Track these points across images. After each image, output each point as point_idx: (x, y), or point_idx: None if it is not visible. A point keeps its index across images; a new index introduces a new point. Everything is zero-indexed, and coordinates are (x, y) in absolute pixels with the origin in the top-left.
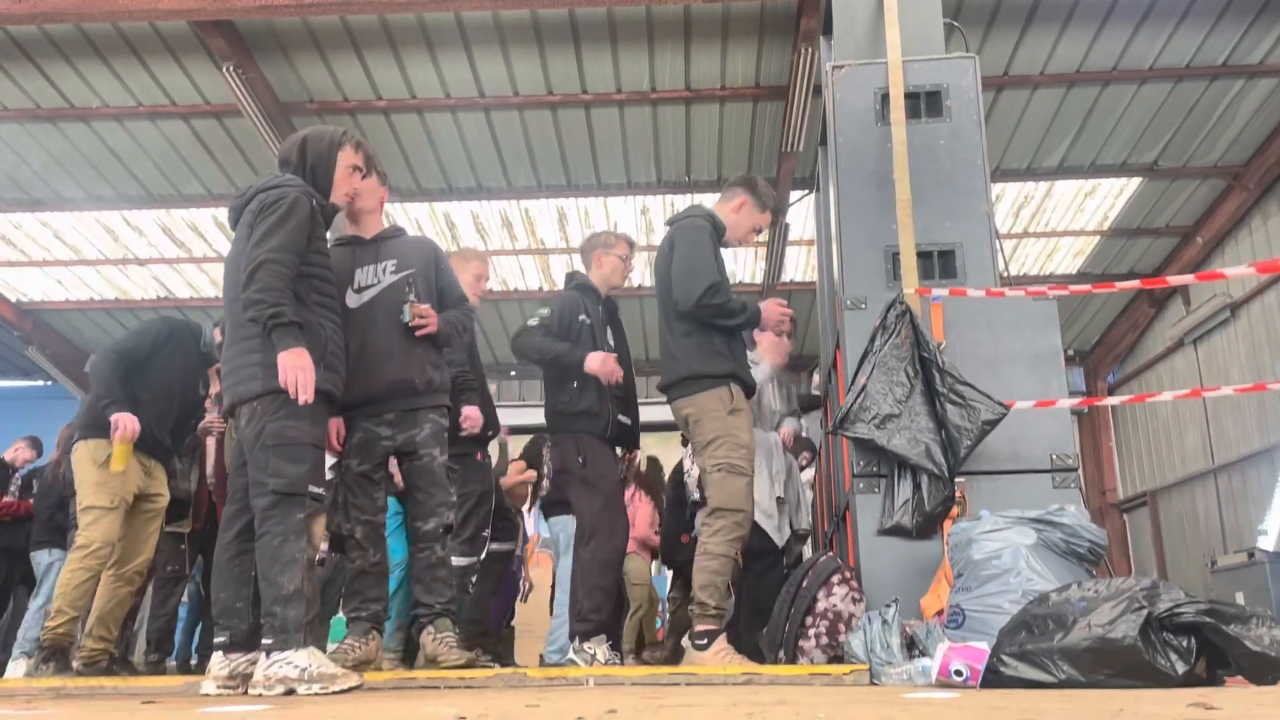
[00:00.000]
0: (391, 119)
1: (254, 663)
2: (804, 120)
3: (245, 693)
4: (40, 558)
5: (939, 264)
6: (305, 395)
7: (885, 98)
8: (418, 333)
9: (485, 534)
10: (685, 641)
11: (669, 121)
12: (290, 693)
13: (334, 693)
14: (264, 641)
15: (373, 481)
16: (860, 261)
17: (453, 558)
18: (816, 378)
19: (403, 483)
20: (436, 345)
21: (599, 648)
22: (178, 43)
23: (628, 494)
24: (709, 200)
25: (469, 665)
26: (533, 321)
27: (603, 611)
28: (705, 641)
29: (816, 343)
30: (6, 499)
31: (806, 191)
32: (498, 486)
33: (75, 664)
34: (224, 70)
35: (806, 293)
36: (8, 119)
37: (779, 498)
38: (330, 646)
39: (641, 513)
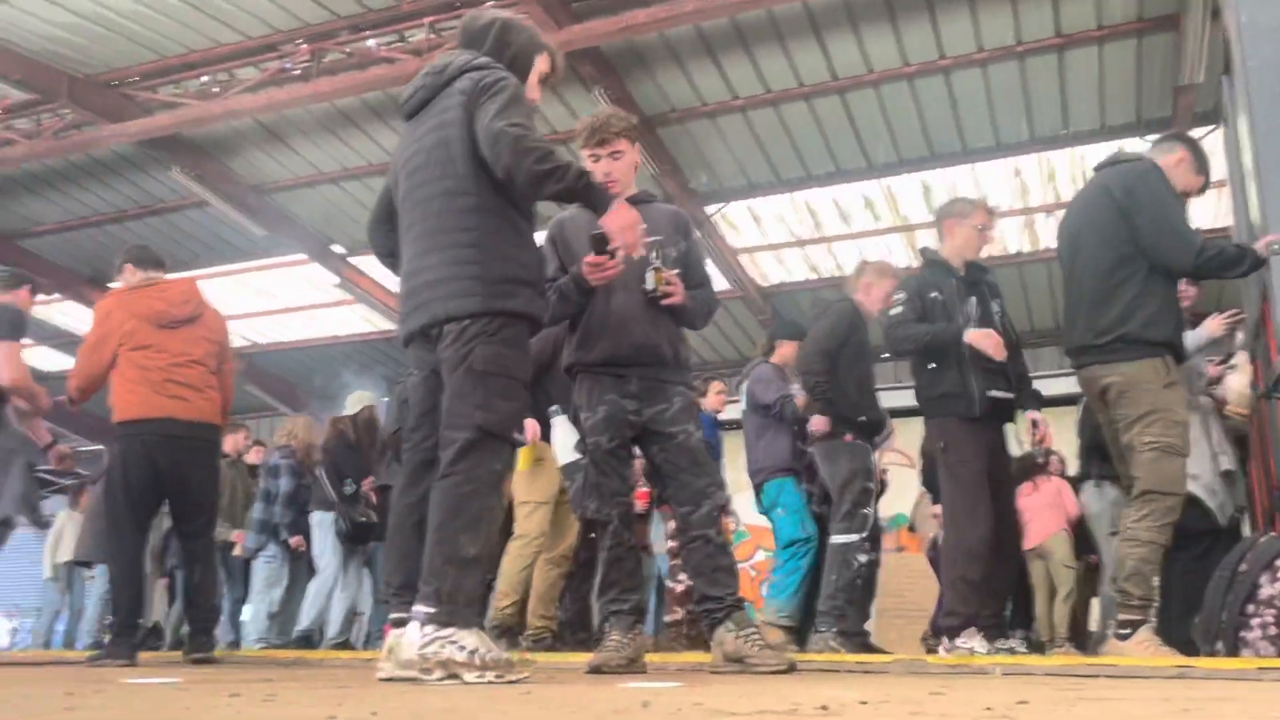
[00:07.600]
0: (748, 115)
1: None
2: (1202, 48)
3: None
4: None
5: None
6: (636, 250)
7: None
8: (663, 302)
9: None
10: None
11: (1040, 74)
12: (453, 678)
13: (509, 682)
14: (422, 609)
15: (621, 460)
16: None
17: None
18: (1240, 335)
19: (659, 467)
20: (679, 322)
21: (972, 641)
22: None
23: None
24: (1090, 151)
25: (790, 669)
26: (894, 312)
27: (969, 604)
28: (1128, 631)
29: (1236, 296)
30: None
31: (1212, 127)
32: None
33: (523, 641)
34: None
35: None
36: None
37: (1226, 470)
38: None
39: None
